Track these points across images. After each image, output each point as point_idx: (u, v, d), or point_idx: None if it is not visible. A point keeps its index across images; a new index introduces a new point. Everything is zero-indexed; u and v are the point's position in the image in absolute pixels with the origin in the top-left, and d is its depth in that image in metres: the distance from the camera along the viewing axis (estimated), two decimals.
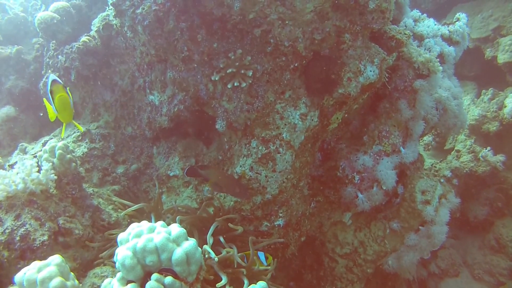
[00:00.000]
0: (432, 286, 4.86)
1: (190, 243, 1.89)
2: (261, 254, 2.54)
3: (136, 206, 2.71)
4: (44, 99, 2.22)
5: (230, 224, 2.63)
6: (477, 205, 4.85)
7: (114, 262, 1.99)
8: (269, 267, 2.53)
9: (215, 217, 2.72)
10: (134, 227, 1.94)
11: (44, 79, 3.41)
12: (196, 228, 2.69)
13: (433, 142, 4.97)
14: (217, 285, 2.37)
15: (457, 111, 3.62)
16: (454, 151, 4.71)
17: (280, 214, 2.81)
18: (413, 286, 4.72)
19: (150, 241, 1.85)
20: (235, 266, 2.56)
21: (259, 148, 2.65)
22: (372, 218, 3.40)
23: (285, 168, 2.69)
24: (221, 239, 2.67)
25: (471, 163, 4.58)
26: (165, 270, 1.88)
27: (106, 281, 2.03)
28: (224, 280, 2.39)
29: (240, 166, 2.70)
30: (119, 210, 2.74)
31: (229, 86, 2.61)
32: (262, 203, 2.73)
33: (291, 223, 2.94)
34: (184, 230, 1.93)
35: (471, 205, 4.85)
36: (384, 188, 3.11)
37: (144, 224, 1.96)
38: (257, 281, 2.23)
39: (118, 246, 1.97)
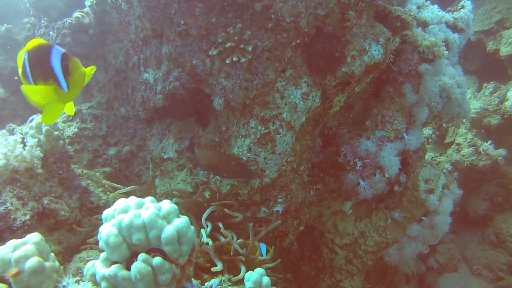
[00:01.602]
0: (430, 281, 4.66)
1: (181, 220, 1.68)
2: (263, 246, 2.34)
3: (127, 189, 2.50)
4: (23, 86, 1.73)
5: (226, 210, 2.43)
6: (477, 199, 4.66)
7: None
8: (270, 259, 2.33)
9: (211, 202, 2.52)
10: (120, 203, 1.73)
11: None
12: (191, 213, 2.49)
13: (433, 136, 4.79)
14: (212, 269, 2.17)
15: (461, 100, 3.43)
16: (454, 144, 4.53)
17: (279, 200, 2.61)
18: (411, 281, 4.54)
19: (138, 217, 1.64)
20: (232, 254, 2.37)
21: (258, 128, 2.45)
22: (373, 208, 3.20)
23: (285, 150, 2.48)
24: (220, 225, 2.47)
25: (472, 156, 4.39)
26: (153, 250, 1.67)
27: (90, 263, 1.82)
28: (219, 267, 2.19)
29: (238, 147, 2.50)
30: (108, 193, 2.53)
31: (227, 61, 2.41)
32: (260, 187, 2.53)
33: (290, 211, 2.73)
34: (176, 207, 1.72)
35: (471, 200, 4.67)
36: (387, 175, 2.92)
37: (132, 199, 1.75)
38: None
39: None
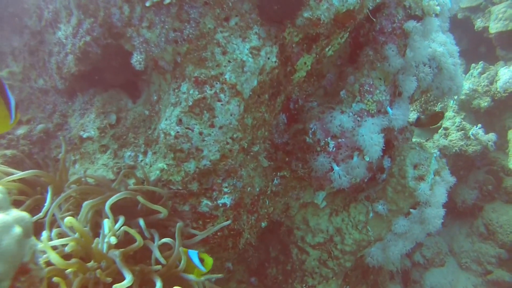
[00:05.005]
0: (416, 277, 3.81)
1: None
2: (194, 254, 1.49)
3: (22, 174, 1.65)
4: None
5: (139, 198, 1.57)
6: (465, 188, 3.81)
7: None
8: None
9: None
10: None
11: None
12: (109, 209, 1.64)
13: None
14: (114, 286, 1.34)
15: (454, 72, 2.58)
16: (441, 128, 3.67)
17: (226, 189, 1.76)
18: (396, 278, 3.69)
19: None
20: (153, 264, 1.53)
21: (190, 92, 1.60)
22: (352, 199, 2.35)
23: (229, 123, 1.63)
24: (141, 222, 1.62)
25: (461, 141, 3.54)
26: None
27: None
28: (127, 280, 1.36)
29: (166, 119, 1.65)
30: None
31: (147, 3, 1.56)
32: (198, 172, 1.68)
33: (243, 203, 1.89)
34: None
35: (459, 189, 3.82)
36: (368, 159, 2.07)
37: None
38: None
39: None
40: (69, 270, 1.38)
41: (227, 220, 1.84)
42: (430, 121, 2.75)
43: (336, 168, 2.03)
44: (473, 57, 4.11)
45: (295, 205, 2.29)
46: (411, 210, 2.27)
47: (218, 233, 1.87)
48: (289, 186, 2.22)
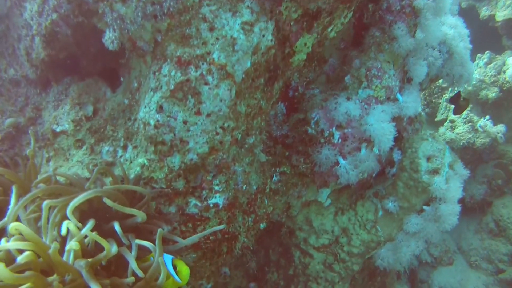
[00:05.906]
0: (423, 276, 3.54)
1: None
2: (168, 259, 1.21)
3: None
4: None
5: (107, 200, 1.29)
6: (473, 183, 3.54)
7: None
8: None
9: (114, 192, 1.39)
10: None
11: None
12: (77, 211, 1.36)
13: (422, 113, 3.65)
14: None
15: (465, 57, 2.30)
16: (447, 121, 3.40)
17: (217, 187, 1.48)
18: (402, 278, 3.41)
19: None
20: (129, 275, 1.25)
21: (172, 74, 1.32)
22: (359, 196, 2.07)
23: (219, 110, 1.36)
24: (116, 227, 1.34)
25: (469, 134, 3.26)
26: None
27: None
28: None
29: (145, 106, 1.37)
30: None
31: None
32: (183, 168, 1.40)
33: (238, 203, 1.61)
34: None
35: (467, 183, 3.53)
36: (376, 151, 1.80)
37: None
38: None
39: None
40: (24, 287, 1.11)
41: (220, 222, 1.56)
42: (466, 106, 2.75)
43: (342, 161, 1.76)
44: (477, 47, 3.84)
45: (297, 204, 2.02)
46: (424, 207, 2.00)
47: (211, 237, 1.59)
48: (289, 183, 1.94)
